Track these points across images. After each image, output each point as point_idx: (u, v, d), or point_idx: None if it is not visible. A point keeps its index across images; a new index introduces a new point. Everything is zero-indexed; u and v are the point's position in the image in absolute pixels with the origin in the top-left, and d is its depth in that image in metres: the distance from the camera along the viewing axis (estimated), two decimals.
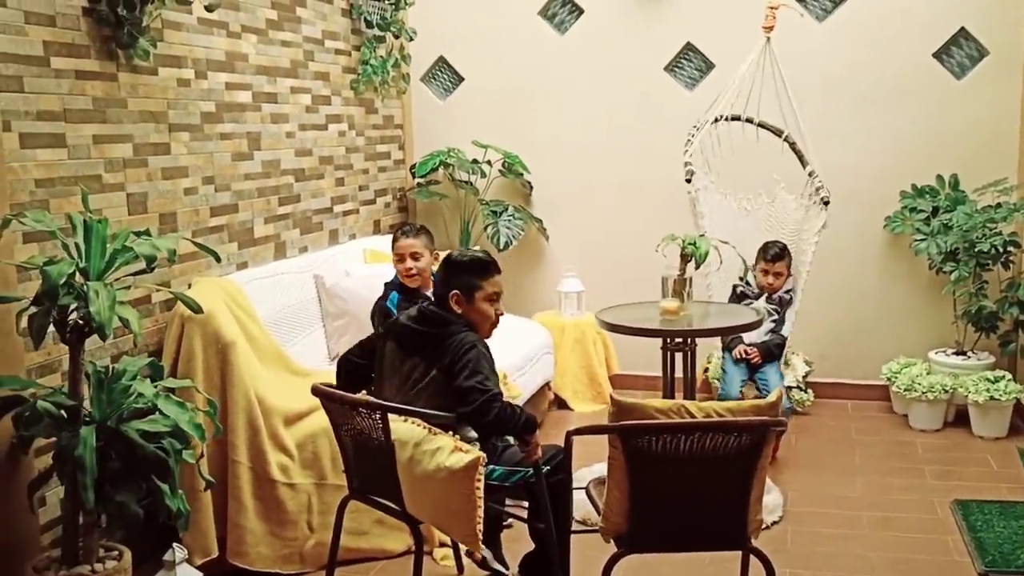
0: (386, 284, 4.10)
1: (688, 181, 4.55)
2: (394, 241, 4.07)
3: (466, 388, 2.76)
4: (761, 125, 4.84)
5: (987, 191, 4.88)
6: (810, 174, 4.75)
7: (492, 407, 2.75)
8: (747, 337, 4.62)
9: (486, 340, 2.96)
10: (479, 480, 2.51)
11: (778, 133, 4.85)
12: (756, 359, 4.59)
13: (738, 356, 4.61)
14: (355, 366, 3.14)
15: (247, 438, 3.40)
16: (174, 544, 3.21)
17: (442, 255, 3.28)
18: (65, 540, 2.78)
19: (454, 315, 2.95)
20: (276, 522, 3.44)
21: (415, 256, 3.97)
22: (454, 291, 2.97)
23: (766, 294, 4.65)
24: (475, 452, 2.55)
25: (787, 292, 4.72)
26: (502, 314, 3.08)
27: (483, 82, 5.74)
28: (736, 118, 4.74)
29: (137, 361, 2.95)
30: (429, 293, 3.98)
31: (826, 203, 4.60)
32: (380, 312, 3.99)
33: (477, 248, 3.60)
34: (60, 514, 3.05)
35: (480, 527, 2.61)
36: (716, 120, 4.70)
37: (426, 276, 3.99)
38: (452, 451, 2.55)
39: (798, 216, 4.83)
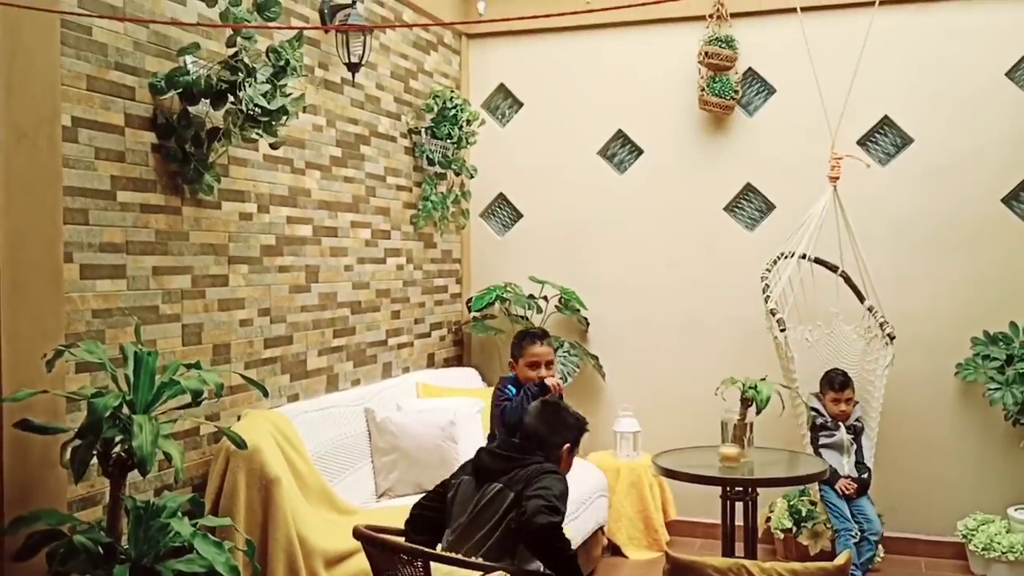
0: (502, 378, 4.10)
1: (783, 331, 4.53)
2: (525, 346, 3.93)
3: (534, 495, 2.77)
4: (817, 261, 4.89)
5: None
6: (869, 309, 4.82)
7: (551, 515, 2.73)
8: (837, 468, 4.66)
9: None
10: None
11: (833, 269, 4.91)
12: (852, 493, 4.61)
13: (842, 491, 4.62)
14: (429, 515, 3.05)
15: None
16: None
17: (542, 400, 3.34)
18: None
19: (541, 457, 2.98)
20: None
21: (550, 364, 3.85)
22: (569, 443, 3.08)
23: (842, 424, 4.71)
24: None
25: (857, 420, 4.78)
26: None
27: (542, 219, 5.78)
28: (794, 255, 4.75)
29: (177, 497, 2.89)
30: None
31: (892, 338, 4.60)
32: (496, 397, 3.95)
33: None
34: None
35: None
36: (776, 260, 4.70)
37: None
38: None
39: (859, 347, 4.88)
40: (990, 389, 4.79)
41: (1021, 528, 4.63)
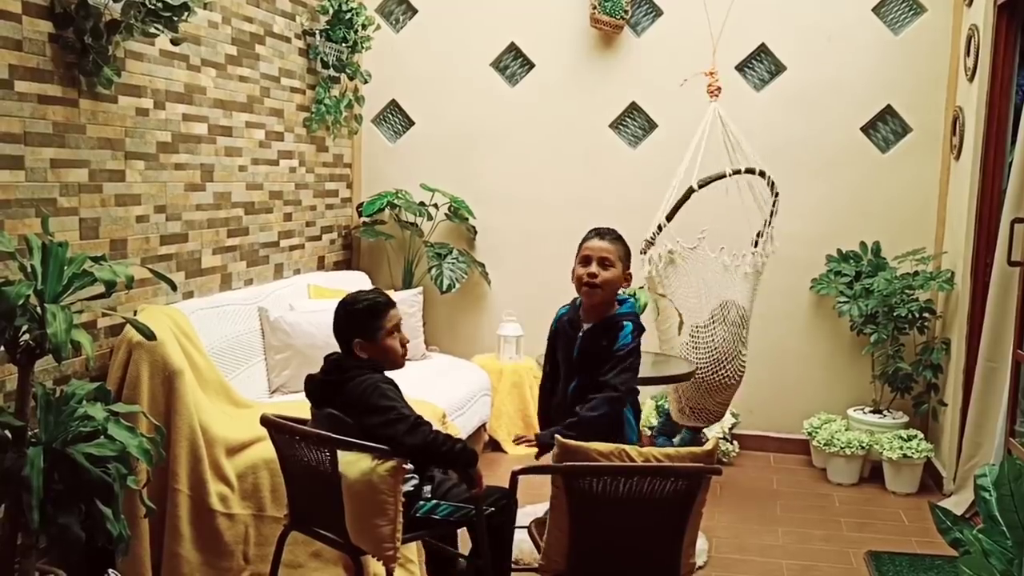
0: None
1: (643, 253, 4.51)
2: (582, 243, 3.34)
3: (383, 423, 2.81)
4: (748, 171, 4.66)
5: (906, 259, 5.17)
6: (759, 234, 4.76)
7: (418, 431, 2.80)
8: None
9: (400, 368, 3.05)
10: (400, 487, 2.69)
11: (762, 173, 4.69)
12: None
13: None
14: None
15: (188, 467, 3.42)
16: (109, 570, 3.20)
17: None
18: (1, 561, 2.76)
19: (356, 360, 2.98)
20: (212, 552, 3.45)
21: (604, 261, 3.21)
22: (357, 339, 2.99)
23: None
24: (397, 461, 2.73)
25: None
26: (408, 341, 3.12)
27: (433, 127, 5.88)
28: (747, 171, 4.64)
29: (85, 385, 2.96)
30: (611, 313, 3.25)
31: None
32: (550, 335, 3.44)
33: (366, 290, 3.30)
34: None
35: (399, 534, 2.72)
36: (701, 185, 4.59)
37: (609, 290, 3.23)
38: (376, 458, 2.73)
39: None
40: (840, 302, 5.26)
41: (858, 427, 5.16)
